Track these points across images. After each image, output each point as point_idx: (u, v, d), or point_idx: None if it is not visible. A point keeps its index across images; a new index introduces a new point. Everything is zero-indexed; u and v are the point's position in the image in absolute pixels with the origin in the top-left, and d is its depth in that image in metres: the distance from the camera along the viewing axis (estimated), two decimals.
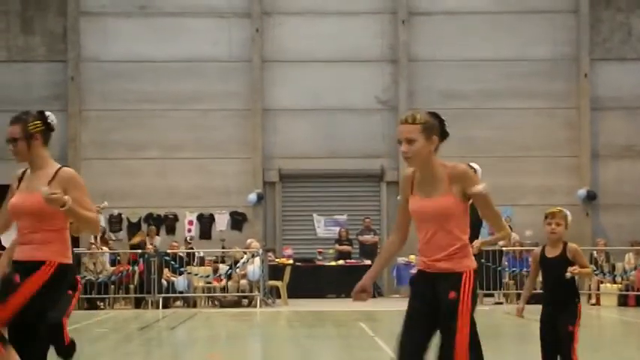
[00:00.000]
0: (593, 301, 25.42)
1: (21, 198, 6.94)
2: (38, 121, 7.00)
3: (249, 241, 26.91)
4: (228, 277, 25.75)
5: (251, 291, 25.39)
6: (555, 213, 8.77)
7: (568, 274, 8.59)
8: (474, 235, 6.63)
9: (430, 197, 6.20)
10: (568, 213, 8.93)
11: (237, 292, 25.62)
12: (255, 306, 24.82)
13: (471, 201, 6.28)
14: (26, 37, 31.11)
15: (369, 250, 28.77)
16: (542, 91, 31.11)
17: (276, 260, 27.86)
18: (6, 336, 6.76)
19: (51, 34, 31.14)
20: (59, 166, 7.01)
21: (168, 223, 30.92)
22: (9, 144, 6.98)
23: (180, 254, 26.55)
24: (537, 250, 8.97)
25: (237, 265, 25.80)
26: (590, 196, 30.72)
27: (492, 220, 6.63)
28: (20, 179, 7.10)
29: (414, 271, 6.71)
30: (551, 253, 8.73)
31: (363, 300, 6.41)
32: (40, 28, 31.12)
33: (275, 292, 26.61)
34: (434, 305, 6.21)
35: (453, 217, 6.18)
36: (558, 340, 8.59)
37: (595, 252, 26.95)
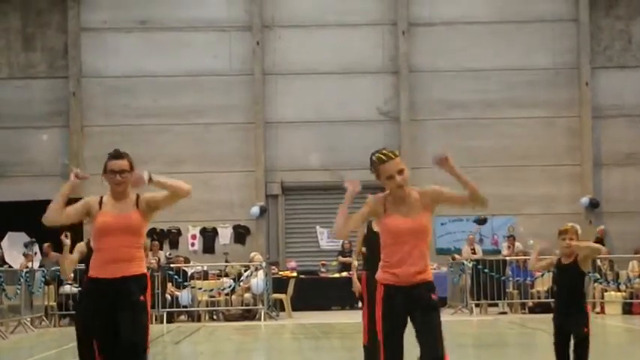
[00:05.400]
0: (598, 309, 25.37)
1: (112, 217, 7.86)
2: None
3: (252, 254, 26.89)
4: (232, 290, 25.72)
5: (255, 304, 25.36)
6: (568, 229, 9.71)
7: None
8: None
9: (409, 216, 6.87)
10: (578, 227, 9.89)
11: (242, 305, 25.59)
12: (260, 319, 24.78)
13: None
14: (27, 53, 31.17)
15: None
16: (543, 100, 31.13)
17: (280, 273, 27.83)
18: None
19: (52, 50, 31.20)
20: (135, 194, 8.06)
21: (171, 238, 30.92)
22: (116, 175, 7.92)
23: (184, 269, 26.50)
24: (555, 257, 9.91)
25: (241, 278, 25.77)
26: (593, 204, 30.71)
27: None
28: (100, 204, 7.98)
29: None
30: (566, 260, 9.69)
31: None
32: (40, 45, 31.18)
33: (279, 305, 26.58)
34: (406, 319, 6.85)
35: (429, 233, 6.95)
36: (575, 343, 9.44)
37: (599, 260, 26.87)
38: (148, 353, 7.93)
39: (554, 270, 9.84)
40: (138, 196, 8.01)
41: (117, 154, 8.04)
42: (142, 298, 7.83)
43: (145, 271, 8.01)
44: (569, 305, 9.57)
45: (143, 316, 7.85)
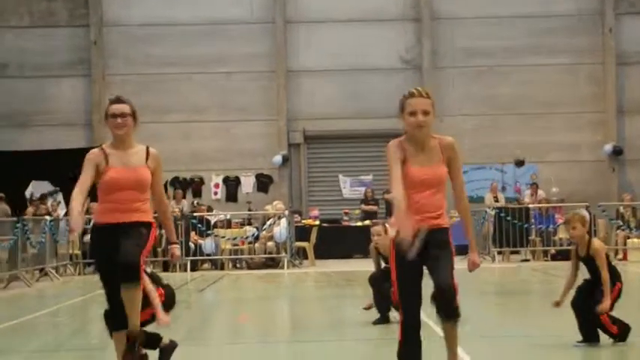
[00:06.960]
0: (620, 256, 25.41)
1: (121, 173, 7.76)
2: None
3: (275, 202, 26.95)
4: (255, 239, 25.83)
5: (278, 252, 25.47)
6: (569, 219, 9.48)
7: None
8: None
9: (428, 165, 6.78)
10: (585, 213, 9.58)
11: (265, 253, 25.71)
12: (283, 267, 24.90)
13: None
14: (48, 2, 31.12)
15: None
16: (566, 47, 30.90)
17: (303, 221, 27.91)
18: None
19: None
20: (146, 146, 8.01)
21: (194, 187, 31.02)
22: (117, 117, 7.88)
23: (208, 217, 26.60)
24: (573, 247, 9.61)
25: (264, 227, 25.85)
26: (617, 152, 30.56)
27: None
28: (106, 157, 7.82)
29: None
30: (582, 252, 9.42)
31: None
32: None
33: (302, 253, 26.69)
34: (421, 266, 6.79)
35: (445, 181, 6.83)
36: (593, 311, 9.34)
37: (622, 207, 26.84)
38: (142, 272, 7.61)
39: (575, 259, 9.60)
40: (148, 151, 7.93)
41: (117, 99, 8.08)
42: (144, 231, 7.72)
43: (152, 220, 7.88)
44: (593, 289, 9.43)
45: (142, 241, 7.67)
